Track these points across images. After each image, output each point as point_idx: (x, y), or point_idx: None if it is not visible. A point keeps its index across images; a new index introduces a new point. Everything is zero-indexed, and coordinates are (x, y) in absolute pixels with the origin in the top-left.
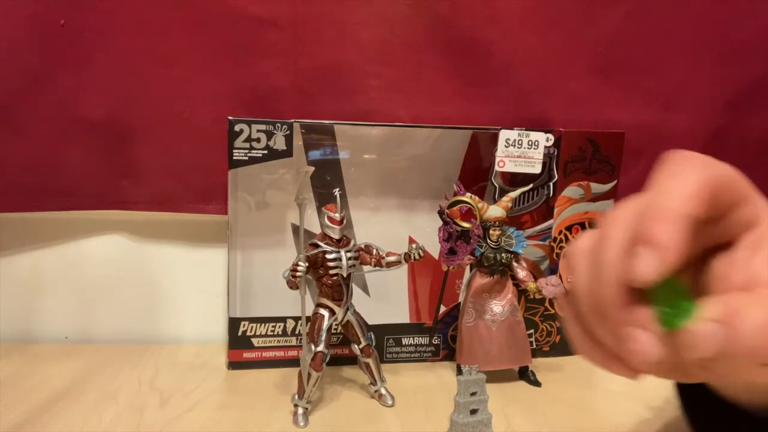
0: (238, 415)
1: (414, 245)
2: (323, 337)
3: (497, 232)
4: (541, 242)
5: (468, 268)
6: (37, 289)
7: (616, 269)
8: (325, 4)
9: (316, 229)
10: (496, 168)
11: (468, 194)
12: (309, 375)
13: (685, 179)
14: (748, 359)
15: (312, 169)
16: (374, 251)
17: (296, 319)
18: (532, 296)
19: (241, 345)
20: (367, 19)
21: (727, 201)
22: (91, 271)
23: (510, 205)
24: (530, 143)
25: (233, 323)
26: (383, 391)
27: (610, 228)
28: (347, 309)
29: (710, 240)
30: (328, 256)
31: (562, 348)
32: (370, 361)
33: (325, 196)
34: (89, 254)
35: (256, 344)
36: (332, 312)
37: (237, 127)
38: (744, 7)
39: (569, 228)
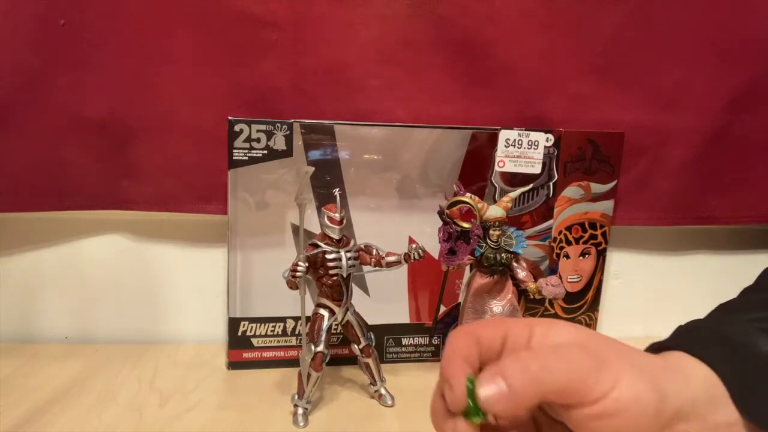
0: (237, 415)
1: (414, 245)
2: (323, 337)
3: (497, 233)
4: (541, 242)
5: (468, 268)
6: (36, 289)
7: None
8: (325, 4)
9: (316, 229)
10: (496, 168)
11: (468, 194)
12: (309, 375)
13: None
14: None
15: (312, 169)
16: (374, 251)
17: (296, 319)
18: (532, 296)
19: (240, 345)
20: (367, 19)
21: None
22: (91, 271)
23: (510, 205)
24: (530, 143)
25: (233, 323)
26: (383, 391)
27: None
28: (347, 309)
29: None
30: (328, 257)
31: None
32: (369, 361)
33: (325, 196)
34: (89, 254)
35: (255, 344)
36: (332, 312)
37: (237, 127)
38: (744, 7)
39: (569, 228)
